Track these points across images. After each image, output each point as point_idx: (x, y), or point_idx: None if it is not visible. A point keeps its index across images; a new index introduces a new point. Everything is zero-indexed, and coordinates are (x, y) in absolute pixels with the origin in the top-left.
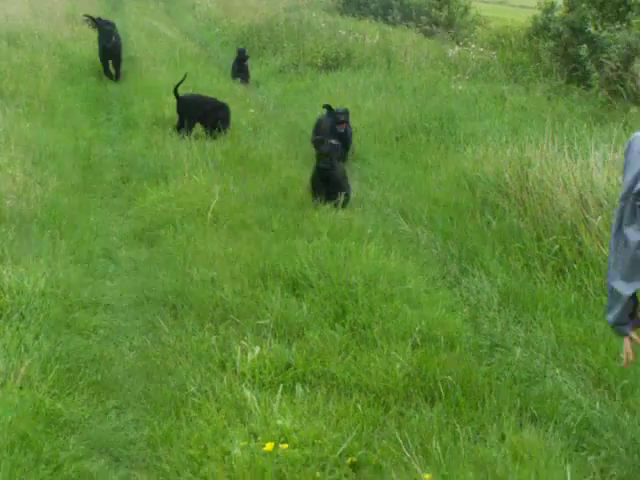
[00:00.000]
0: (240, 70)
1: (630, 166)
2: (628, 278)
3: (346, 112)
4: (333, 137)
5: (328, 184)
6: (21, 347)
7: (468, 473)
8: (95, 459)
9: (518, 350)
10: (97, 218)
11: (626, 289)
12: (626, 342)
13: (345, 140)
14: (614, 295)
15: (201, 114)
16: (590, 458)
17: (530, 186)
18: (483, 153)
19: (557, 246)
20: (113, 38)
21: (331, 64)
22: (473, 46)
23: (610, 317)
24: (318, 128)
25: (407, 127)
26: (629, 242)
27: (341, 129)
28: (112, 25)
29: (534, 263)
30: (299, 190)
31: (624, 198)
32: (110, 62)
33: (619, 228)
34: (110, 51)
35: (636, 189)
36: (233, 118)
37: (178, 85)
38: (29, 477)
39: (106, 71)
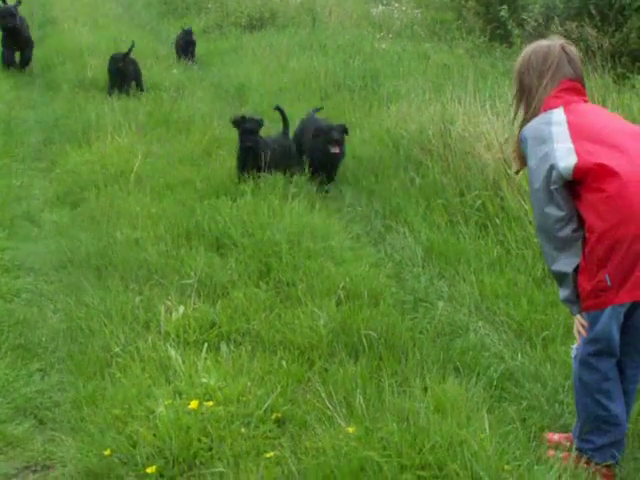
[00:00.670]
0: (186, 50)
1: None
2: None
3: (342, 129)
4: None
5: (255, 161)
6: None
7: (391, 425)
8: (20, 422)
9: (441, 304)
10: (19, 181)
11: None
12: (576, 321)
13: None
14: (558, 276)
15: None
16: (511, 408)
17: (453, 143)
18: (406, 111)
19: (479, 201)
20: (15, 19)
21: (255, 24)
22: (397, 5)
23: (560, 295)
24: (301, 132)
25: (332, 86)
26: (550, 219)
27: (334, 149)
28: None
29: (457, 219)
30: (223, 150)
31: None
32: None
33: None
34: (11, 33)
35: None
36: (156, 79)
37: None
38: None
39: (5, 59)
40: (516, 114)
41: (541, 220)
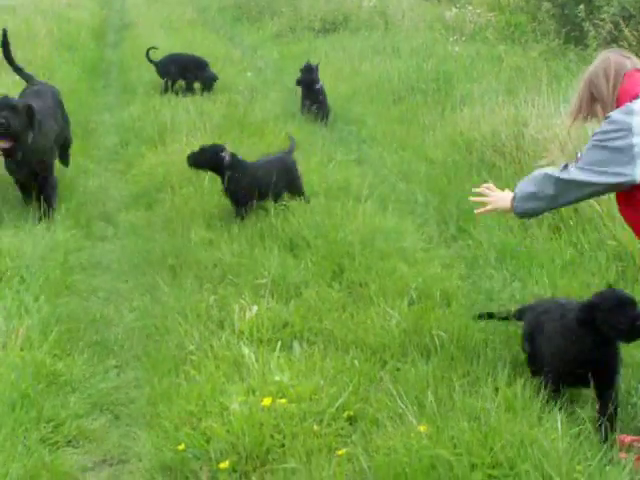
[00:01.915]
0: (310, 98)
1: None
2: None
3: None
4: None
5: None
6: (21, 309)
7: (462, 424)
8: (96, 417)
9: (514, 306)
10: (96, 183)
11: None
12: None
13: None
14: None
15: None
16: (583, 410)
17: (526, 145)
18: (479, 113)
19: None
20: None
21: (328, 28)
22: (470, 8)
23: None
24: None
25: (404, 89)
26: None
27: None
28: None
29: (530, 221)
30: (296, 152)
31: None
32: None
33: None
34: None
35: None
36: (230, 82)
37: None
38: (31, 434)
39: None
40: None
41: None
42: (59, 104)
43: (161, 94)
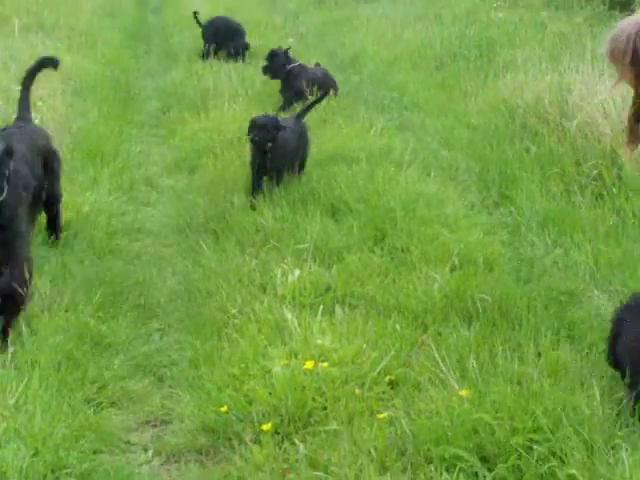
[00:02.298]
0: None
1: None
2: None
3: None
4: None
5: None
6: (66, 272)
7: (504, 388)
8: (139, 379)
9: (556, 271)
10: (138, 148)
11: None
12: None
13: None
14: None
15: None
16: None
17: (569, 112)
18: (522, 80)
19: (596, 171)
20: None
21: None
22: None
23: None
24: None
25: (447, 55)
26: None
27: None
28: None
29: (573, 188)
30: (338, 118)
31: None
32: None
33: None
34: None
35: None
36: (273, 47)
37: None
38: (76, 394)
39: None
40: None
41: None
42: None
43: (202, 60)
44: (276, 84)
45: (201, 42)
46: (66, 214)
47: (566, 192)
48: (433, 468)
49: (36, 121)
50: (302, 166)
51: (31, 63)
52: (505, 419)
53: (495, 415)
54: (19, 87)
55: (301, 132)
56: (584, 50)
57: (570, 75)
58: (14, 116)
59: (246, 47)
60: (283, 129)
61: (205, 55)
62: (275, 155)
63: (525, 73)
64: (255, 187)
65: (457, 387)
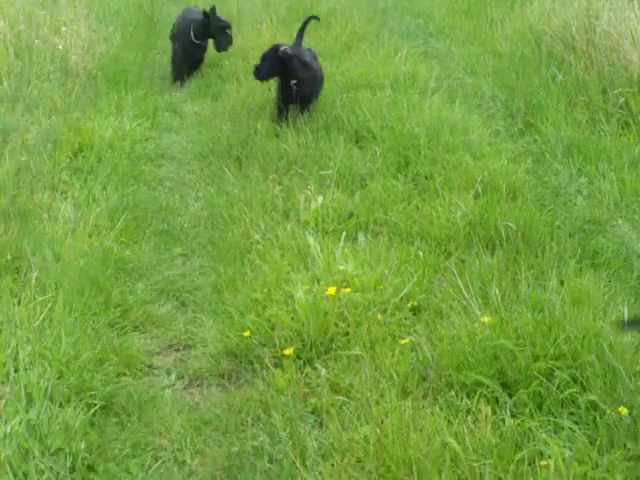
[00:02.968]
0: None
1: None
2: None
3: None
4: None
5: None
6: (89, 197)
7: (526, 315)
8: (162, 303)
9: (580, 200)
10: (162, 74)
11: None
12: None
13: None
14: None
15: None
16: None
17: (597, 39)
18: (550, 6)
19: (623, 99)
20: None
21: None
22: None
23: None
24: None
25: None
26: None
27: None
28: None
29: (599, 116)
30: (363, 45)
31: None
32: None
33: None
34: None
35: None
36: None
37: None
38: (99, 318)
39: None
40: None
41: None
42: None
43: None
44: (302, 10)
45: None
46: (89, 139)
47: (591, 120)
48: (454, 393)
49: (59, 46)
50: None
51: None
52: (527, 345)
53: (517, 342)
54: (43, 12)
55: (316, 58)
56: None
57: (598, 1)
58: (36, 40)
59: None
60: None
61: None
62: (301, 84)
63: None
64: (280, 114)
65: (479, 314)
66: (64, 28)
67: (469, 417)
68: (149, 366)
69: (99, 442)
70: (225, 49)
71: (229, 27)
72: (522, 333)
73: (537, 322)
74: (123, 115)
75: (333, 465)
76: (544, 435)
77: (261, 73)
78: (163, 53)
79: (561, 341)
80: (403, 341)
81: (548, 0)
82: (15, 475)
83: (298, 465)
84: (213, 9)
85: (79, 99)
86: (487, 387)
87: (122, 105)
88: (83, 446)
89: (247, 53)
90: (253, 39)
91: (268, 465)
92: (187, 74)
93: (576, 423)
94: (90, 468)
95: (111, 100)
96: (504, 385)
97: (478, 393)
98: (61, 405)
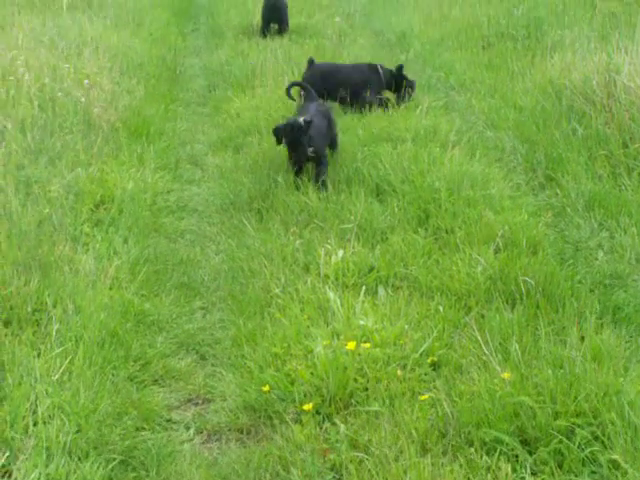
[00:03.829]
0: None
1: None
2: None
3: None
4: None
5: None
6: (110, 250)
7: (546, 372)
8: (182, 357)
9: (601, 255)
10: (184, 126)
11: None
12: None
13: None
14: None
15: None
16: None
17: (617, 93)
18: (570, 60)
19: None
20: None
21: None
22: None
23: None
24: None
25: (494, 35)
26: None
27: None
28: None
29: (620, 170)
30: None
31: None
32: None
33: None
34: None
35: None
36: (319, 27)
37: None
38: (119, 372)
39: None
40: None
41: None
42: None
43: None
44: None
45: (247, 21)
46: (111, 191)
47: (612, 174)
48: (474, 451)
49: (82, 99)
50: (334, 145)
51: (78, 41)
52: (547, 402)
53: (537, 398)
54: (67, 65)
55: (325, 112)
56: (634, 30)
57: (619, 56)
58: (59, 93)
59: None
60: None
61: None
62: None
63: (573, 53)
64: (297, 170)
65: (499, 370)
66: (87, 81)
67: (489, 475)
68: (168, 420)
69: None
70: (405, 102)
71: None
72: (542, 390)
73: (557, 379)
74: (145, 167)
75: None
76: None
77: (278, 140)
78: (185, 105)
79: (582, 398)
80: (423, 397)
81: (569, 54)
82: None
83: None
84: (402, 66)
85: (101, 151)
86: (507, 444)
87: (144, 157)
88: None
89: (268, 106)
90: (275, 91)
91: None
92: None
93: None
94: None
95: (133, 152)
96: (524, 442)
97: (498, 450)
98: (80, 459)
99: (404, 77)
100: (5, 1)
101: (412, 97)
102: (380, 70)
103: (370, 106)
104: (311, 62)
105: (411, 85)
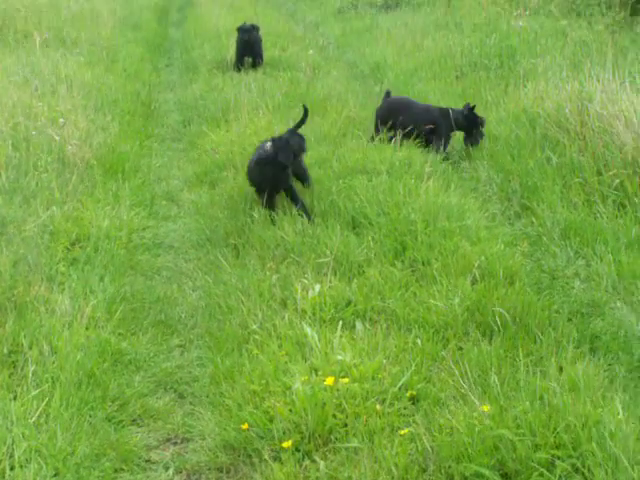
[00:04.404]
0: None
1: None
2: None
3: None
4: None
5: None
6: (87, 289)
7: (525, 404)
8: (160, 396)
9: (578, 283)
10: (159, 162)
11: None
12: None
13: None
14: None
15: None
16: None
17: (591, 121)
18: (543, 89)
19: (618, 180)
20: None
21: (390, 3)
22: None
23: None
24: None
25: (467, 65)
26: None
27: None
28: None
29: (595, 198)
30: (358, 130)
31: None
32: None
33: None
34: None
35: None
36: (293, 59)
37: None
38: (97, 412)
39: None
40: None
41: None
42: None
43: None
44: (297, 96)
45: (221, 55)
46: (87, 229)
47: (587, 202)
48: None
49: (56, 137)
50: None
51: (52, 78)
52: (527, 435)
53: (517, 431)
54: (40, 103)
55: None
56: (605, 58)
57: (591, 84)
58: (34, 132)
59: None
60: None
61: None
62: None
63: (546, 82)
64: (271, 202)
65: (478, 403)
66: (62, 119)
67: None
68: (147, 460)
69: None
70: (477, 144)
71: (484, 121)
72: (522, 422)
73: (536, 410)
74: (120, 204)
75: None
76: None
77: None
78: (160, 141)
79: (561, 430)
80: (402, 432)
81: (541, 82)
82: None
83: None
84: (474, 106)
85: (76, 189)
86: (487, 478)
87: (119, 194)
88: None
89: (243, 140)
90: (250, 125)
91: None
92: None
93: None
94: None
95: (108, 190)
96: (504, 476)
97: None
98: None
99: (476, 117)
100: None
101: (483, 135)
102: (451, 114)
103: (437, 151)
104: (388, 94)
105: (482, 123)
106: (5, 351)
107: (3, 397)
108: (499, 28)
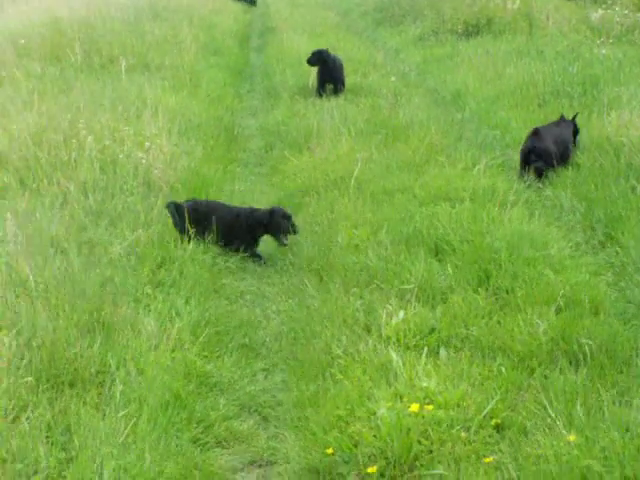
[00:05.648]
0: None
1: None
2: None
3: None
4: None
5: None
6: (172, 312)
7: (613, 434)
8: (244, 419)
9: None
10: (242, 186)
11: None
12: None
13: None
14: None
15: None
16: None
17: None
18: (628, 118)
19: None
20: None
21: (471, 30)
22: (617, 8)
23: None
24: None
25: (549, 93)
26: None
27: None
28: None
29: None
30: (441, 157)
31: None
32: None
33: None
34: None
35: None
36: (374, 86)
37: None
38: (182, 434)
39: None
40: None
41: None
42: None
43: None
44: (379, 122)
45: (302, 81)
46: (172, 252)
47: None
48: None
49: (143, 161)
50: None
51: (137, 103)
52: (615, 466)
53: (605, 462)
54: (127, 127)
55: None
56: None
57: None
58: (120, 155)
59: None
60: None
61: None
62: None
63: (630, 110)
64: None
65: (564, 432)
66: (147, 143)
67: None
68: None
69: None
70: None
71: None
72: (609, 453)
73: (625, 441)
74: None
75: None
76: None
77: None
78: (243, 166)
79: None
80: (487, 460)
81: (626, 111)
82: None
83: None
84: (577, 114)
85: (161, 213)
86: None
87: None
88: None
89: (325, 166)
90: (332, 151)
91: None
92: None
93: None
94: None
95: None
96: None
97: None
98: None
99: (576, 125)
100: (65, 65)
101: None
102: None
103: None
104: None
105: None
106: (93, 371)
107: (92, 416)
108: (582, 56)
